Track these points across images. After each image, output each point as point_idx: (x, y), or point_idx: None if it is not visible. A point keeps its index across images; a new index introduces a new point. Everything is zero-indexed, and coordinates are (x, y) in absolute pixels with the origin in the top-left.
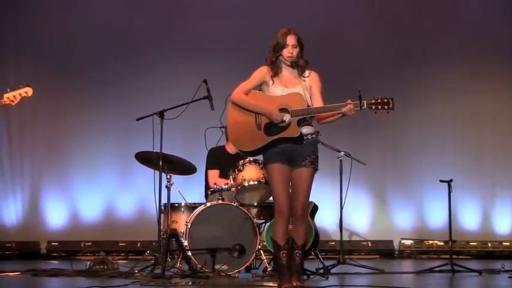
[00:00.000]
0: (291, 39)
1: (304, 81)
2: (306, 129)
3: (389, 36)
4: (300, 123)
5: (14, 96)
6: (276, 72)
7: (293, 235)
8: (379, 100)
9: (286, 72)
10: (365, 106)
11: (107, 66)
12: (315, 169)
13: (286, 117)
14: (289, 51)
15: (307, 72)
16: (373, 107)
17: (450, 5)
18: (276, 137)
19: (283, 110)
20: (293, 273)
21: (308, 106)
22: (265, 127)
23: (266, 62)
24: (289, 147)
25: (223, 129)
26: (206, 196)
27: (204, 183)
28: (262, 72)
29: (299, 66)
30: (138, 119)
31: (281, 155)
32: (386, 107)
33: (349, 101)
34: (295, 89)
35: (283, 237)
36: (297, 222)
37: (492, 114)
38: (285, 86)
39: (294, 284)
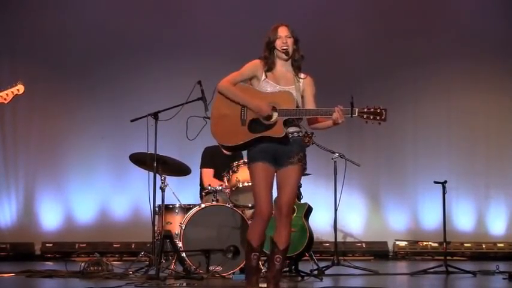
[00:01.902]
0: (282, 30)
1: (299, 82)
2: (291, 129)
3: (383, 36)
4: (287, 123)
5: (6, 94)
6: (270, 67)
7: (275, 237)
8: (372, 110)
9: (281, 68)
10: (356, 114)
11: (101, 67)
12: (303, 167)
13: (274, 116)
14: (283, 41)
15: (302, 75)
16: (365, 116)
17: (445, 5)
18: (259, 135)
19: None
20: (270, 280)
21: (298, 107)
22: (250, 123)
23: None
24: (273, 146)
25: (207, 119)
26: (201, 197)
27: (198, 184)
28: (254, 65)
29: (295, 60)
30: (132, 120)
31: (265, 154)
32: (378, 118)
33: (340, 107)
34: (287, 88)
35: (258, 239)
36: (280, 222)
37: (486, 114)
38: (277, 83)
39: None
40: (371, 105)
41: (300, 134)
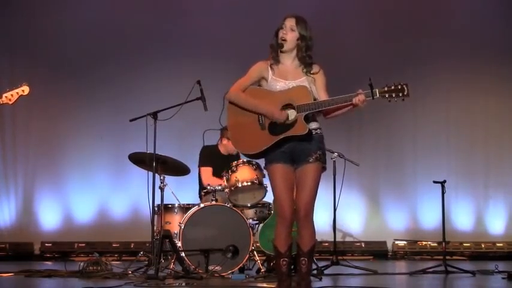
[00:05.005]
0: (288, 21)
1: (311, 77)
2: (312, 125)
3: (383, 36)
4: (307, 119)
5: (11, 95)
6: (275, 59)
7: (298, 240)
8: (393, 87)
9: (287, 62)
10: (377, 95)
11: (101, 67)
12: (322, 166)
13: (292, 114)
14: (283, 32)
15: (316, 68)
16: (387, 95)
17: (446, 5)
18: (282, 136)
19: (287, 106)
20: (300, 283)
21: (315, 99)
22: (270, 126)
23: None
24: (291, 145)
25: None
26: (200, 197)
27: (197, 184)
28: (259, 66)
29: (300, 58)
30: (131, 120)
31: (283, 154)
32: (401, 94)
33: (360, 91)
34: (298, 81)
35: (284, 244)
36: (300, 224)
37: (485, 114)
38: (285, 79)
39: None
40: (390, 83)
41: (319, 131)
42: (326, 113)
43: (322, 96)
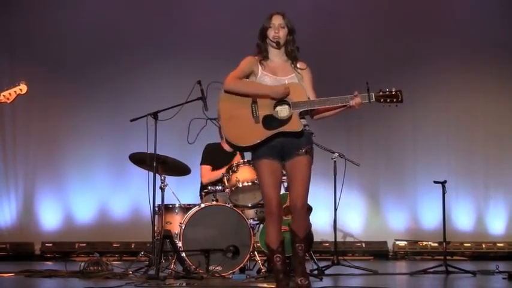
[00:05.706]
0: (276, 19)
1: (299, 73)
2: (302, 122)
3: (383, 36)
4: (302, 115)
5: (9, 94)
6: (263, 56)
7: (293, 227)
8: (387, 93)
9: (275, 58)
10: (373, 99)
11: (101, 67)
12: (311, 161)
13: (285, 110)
14: (275, 31)
15: (301, 65)
16: (382, 100)
17: (446, 5)
18: (276, 131)
19: (281, 101)
20: (296, 270)
21: (308, 98)
22: (264, 120)
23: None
24: (281, 140)
25: (208, 121)
26: (200, 197)
27: (199, 184)
28: (249, 61)
29: (289, 52)
30: (132, 120)
31: (271, 150)
32: (395, 100)
33: (356, 93)
34: (286, 78)
35: (276, 240)
36: (296, 215)
37: (485, 114)
38: (275, 74)
39: (299, 282)
40: (384, 89)
41: (307, 127)
42: (315, 113)
43: (309, 93)
